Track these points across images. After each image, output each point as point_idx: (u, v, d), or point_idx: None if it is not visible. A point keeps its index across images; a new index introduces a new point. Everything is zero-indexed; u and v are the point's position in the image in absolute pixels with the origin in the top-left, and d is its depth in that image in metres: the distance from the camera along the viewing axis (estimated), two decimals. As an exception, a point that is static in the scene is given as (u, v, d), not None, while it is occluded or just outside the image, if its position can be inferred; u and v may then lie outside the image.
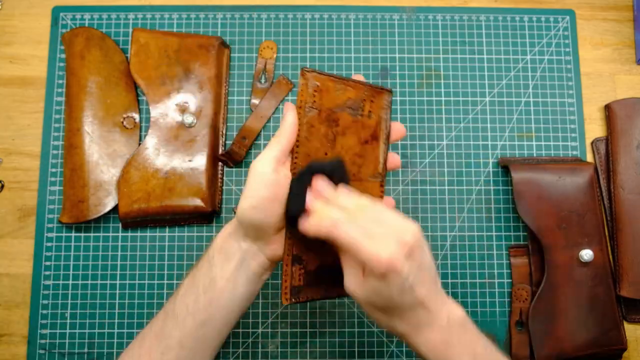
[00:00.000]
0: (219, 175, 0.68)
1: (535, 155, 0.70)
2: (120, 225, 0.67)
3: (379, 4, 0.73)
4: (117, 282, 0.66)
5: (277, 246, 0.49)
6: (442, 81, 0.71)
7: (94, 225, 0.67)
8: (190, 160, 0.66)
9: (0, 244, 0.67)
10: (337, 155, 0.50)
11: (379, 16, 0.72)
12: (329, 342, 0.65)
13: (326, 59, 0.71)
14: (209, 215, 0.67)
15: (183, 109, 0.67)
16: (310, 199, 0.47)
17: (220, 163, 0.68)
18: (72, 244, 0.67)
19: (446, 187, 0.69)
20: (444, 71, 0.71)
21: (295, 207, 0.47)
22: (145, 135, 0.67)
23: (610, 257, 0.67)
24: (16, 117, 0.70)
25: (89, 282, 0.66)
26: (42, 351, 0.65)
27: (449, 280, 0.67)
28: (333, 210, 0.45)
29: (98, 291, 0.66)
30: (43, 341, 0.65)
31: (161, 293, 0.66)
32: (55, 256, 0.67)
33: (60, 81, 0.70)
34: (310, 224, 0.45)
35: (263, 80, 0.71)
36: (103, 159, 0.66)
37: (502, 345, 0.66)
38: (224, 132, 0.69)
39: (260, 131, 0.69)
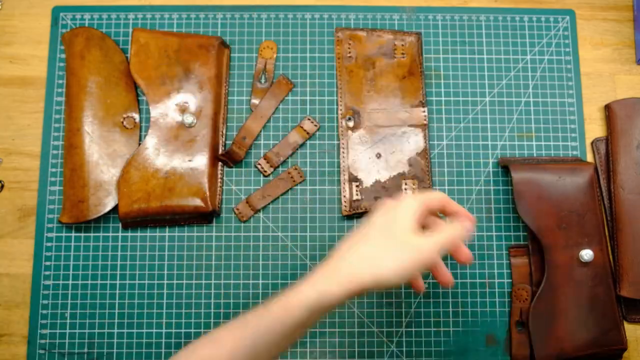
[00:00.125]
0: (219, 175, 0.68)
1: (535, 155, 0.70)
2: (120, 225, 0.67)
3: (379, 4, 0.73)
4: (117, 282, 0.66)
5: None
6: (442, 81, 0.71)
7: (94, 225, 0.67)
8: (190, 160, 0.66)
9: (0, 244, 0.67)
10: None
11: (379, 16, 0.72)
12: (329, 342, 0.66)
13: (326, 59, 0.71)
14: (209, 215, 0.67)
15: (183, 109, 0.67)
16: None
17: (220, 163, 0.68)
18: (72, 244, 0.67)
19: (446, 187, 0.69)
20: (444, 71, 0.71)
21: None
22: (145, 135, 0.67)
23: (611, 257, 0.67)
24: (16, 117, 0.70)
25: (89, 282, 0.66)
26: (42, 351, 0.65)
27: (449, 280, 0.67)
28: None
29: (98, 291, 0.66)
30: (43, 341, 0.65)
31: (161, 293, 0.66)
32: (55, 256, 0.67)
33: (60, 81, 0.70)
34: None
35: (263, 80, 0.71)
36: (103, 159, 0.66)
37: (502, 345, 0.66)
38: (224, 132, 0.69)
39: (260, 131, 0.70)
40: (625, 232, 0.66)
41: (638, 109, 0.69)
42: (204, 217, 0.67)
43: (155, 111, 0.67)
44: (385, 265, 0.46)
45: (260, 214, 0.68)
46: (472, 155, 0.70)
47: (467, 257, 0.51)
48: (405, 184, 0.67)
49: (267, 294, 0.66)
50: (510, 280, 0.67)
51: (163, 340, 0.65)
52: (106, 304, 0.66)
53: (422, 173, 0.68)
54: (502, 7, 0.73)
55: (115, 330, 0.65)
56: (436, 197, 0.51)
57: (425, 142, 0.68)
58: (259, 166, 0.69)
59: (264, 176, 0.69)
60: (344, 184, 0.67)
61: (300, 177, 0.68)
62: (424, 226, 0.52)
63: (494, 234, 0.68)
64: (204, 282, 0.66)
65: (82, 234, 0.67)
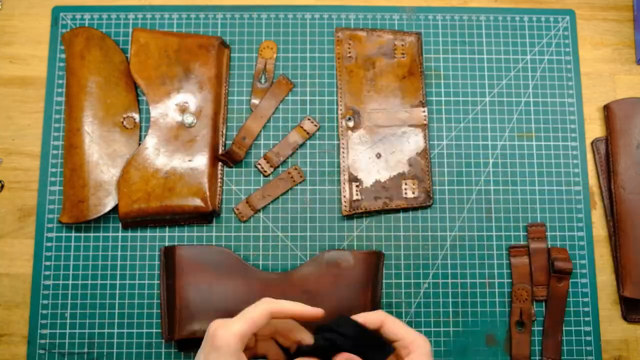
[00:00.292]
0: (219, 175, 0.68)
1: (535, 155, 0.70)
2: (120, 225, 0.67)
3: (379, 4, 0.73)
4: (117, 282, 0.66)
5: None
6: (442, 81, 0.71)
7: (94, 225, 0.67)
8: (190, 160, 0.66)
9: (0, 244, 0.67)
10: (341, 315, 0.51)
11: (379, 16, 0.72)
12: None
13: (326, 59, 0.71)
14: (209, 215, 0.67)
15: (183, 109, 0.67)
16: None
17: (220, 163, 0.68)
18: (72, 244, 0.67)
19: (446, 187, 0.69)
20: (444, 71, 0.71)
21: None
22: (145, 135, 0.67)
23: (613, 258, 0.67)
24: (16, 117, 0.70)
25: (89, 282, 0.66)
26: (42, 351, 0.65)
27: (449, 280, 0.67)
28: None
29: (98, 291, 0.66)
30: (43, 341, 0.65)
31: (161, 294, 0.66)
32: (55, 256, 0.66)
33: (60, 81, 0.70)
34: None
35: (263, 80, 0.71)
36: (103, 159, 0.66)
37: (502, 345, 0.66)
38: (224, 132, 0.69)
39: (260, 131, 0.70)
40: (626, 232, 0.66)
41: (637, 109, 0.69)
42: (204, 217, 0.67)
43: (155, 111, 0.67)
44: None
45: (260, 214, 0.68)
46: (472, 155, 0.70)
47: None
48: (405, 184, 0.67)
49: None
50: (510, 280, 0.67)
51: (163, 340, 0.65)
52: (106, 304, 0.66)
53: (422, 173, 0.68)
54: (502, 7, 0.73)
55: (115, 330, 0.65)
56: (261, 313, 0.46)
57: (425, 142, 0.68)
58: (259, 166, 0.69)
59: (264, 176, 0.69)
60: (344, 184, 0.67)
61: (300, 177, 0.68)
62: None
63: (494, 234, 0.68)
64: (204, 282, 0.66)
65: (82, 234, 0.67)
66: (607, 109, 0.70)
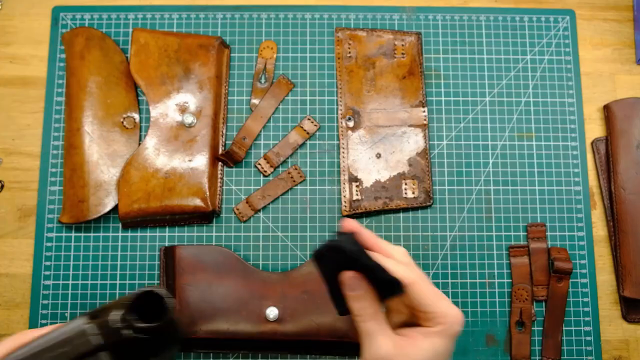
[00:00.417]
0: (219, 175, 0.68)
1: (535, 155, 0.70)
2: (120, 225, 0.67)
3: (379, 4, 0.73)
4: (117, 282, 0.66)
5: None
6: (442, 81, 0.71)
7: (94, 225, 0.67)
8: (190, 160, 0.66)
9: (0, 244, 0.67)
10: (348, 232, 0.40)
11: (379, 16, 0.72)
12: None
13: (326, 59, 0.71)
14: (209, 215, 0.67)
15: (183, 109, 0.67)
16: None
17: (220, 163, 0.68)
18: (72, 244, 0.67)
19: (446, 187, 0.69)
20: (444, 71, 0.71)
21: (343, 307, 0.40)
22: (145, 135, 0.67)
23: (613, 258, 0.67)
24: (16, 117, 0.70)
25: (89, 282, 0.66)
26: (42, 351, 0.65)
27: (449, 280, 0.67)
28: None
29: (98, 291, 0.66)
30: (43, 341, 0.65)
31: (161, 293, 0.66)
32: (55, 256, 0.66)
33: (60, 81, 0.70)
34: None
35: (263, 80, 0.71)
36: (103, 159, 0.66)
37: (502, 345, 0.65)
38: (224, 132, 0.69)
39: (260, 131, 0.70)
40: (627, 232, 0.66)
41: (637, 109, 0.69)
42: (204, 217, 0.67)
43: (155, 111, 0.67)
44: None
45: (260, 214, 0.68)
46: (472, 155, 0.70)
47: None
48: (405, 183, 0.67)
49: (267, 294, 0.66)
50: (510, 280, 0.67)
51: (163, 340, 0.65)
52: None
53: (422, 173, 0.68)
54: (502, 7, 0.73)
55: (115, 330, 0.65)
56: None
57: (425, 142, 0.68)
58: (259, 166, 0.69)
59: (264, 176, 0.69)
60: (344, 184, 0.67)
61: (300, 177, 0.68)
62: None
63: (494, 234, 0.68)
64: (204, 282, 0.66)
65: (82, 234, 0.67)
66: (607, 109, 0.70)
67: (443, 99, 0.71)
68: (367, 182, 0.67)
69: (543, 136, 0.70)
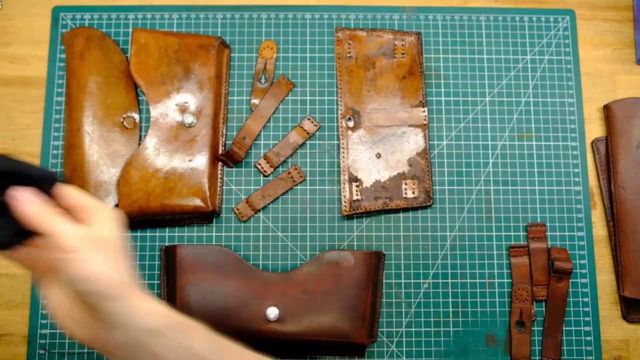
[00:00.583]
0: (219, 175, 0.68)
1: (535, 155, 0.70)
2: (120, 225, 0.67)
3: (379, 4, 0.73)
4: (117, 282, 0.66)
5: None
6: (442, 81, 0.71)
7: (94, 225, 0.67)
8: (190, 160, 0.66)
9: (0, 244, 0.67)
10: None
11: (379, 16, 0.72)
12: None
13: (326, 59, 0.71)
14: (209, 215, 0.67)
15: (183, 109, 0.67)
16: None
17: (220, 163, 0.68)
18: (72, 244, 0.67)
19: (446, 187, 0.69)
20: (444, 71, 0.71)
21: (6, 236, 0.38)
22: (145, 135, 0.67)
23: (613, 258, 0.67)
24: (16, 117, 0.70)
25: (89, 282, 0.66)
26: (42, 351, 0.65)
27: (449, 280, 0.67)
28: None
29: (98, 291, 0.66)
30: (43, 341, 0.65)
31: (161, 293, 0.66)
32: (55, 256, 0.66)
33: (60, 81, 0.70)
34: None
35: (263, 80, 0.71)
36: (103, 159, 0.66)
37: (502, 345, 0.65)
38: (224, 132, 0.69)
39: (260, 131, 0.70)
40: (627, 232, 0.66)
41: (637, 109, 0.69)
42: (204, 217, 0.67)
43: (155, 111, 0.67)
44: None
45: (260, 214, 0.68)
46: (472, 155, 0.70)
47: None
48: (405, 183, 0.67)
49: (267, 294, 0.66)
50: (510, 280, 0.67)
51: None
52: (106, 304, 0.66)
53: (422, 173, 0.68)
54: (502, 7, 0.73)
55: (115, 330, 0.65)
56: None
57: (425, 142, 0.68)
58: (259, 166, 0.69)
59: (264, 176, 0.69)
60: (344, 184, 0.67)
61: (300, 177, 0.68)
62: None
63: (494, 234, 0.68)
64: (204, 282, 0.66)
65: (82, 234, 0.67)
66: (607, 109, 0.70)
67: (443, 99, 0.71)
68: (367, 182, 0.67)
69: (543, 136, 0.70)
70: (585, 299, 0.67)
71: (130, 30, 0.71)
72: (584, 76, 0.72)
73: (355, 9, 0.73)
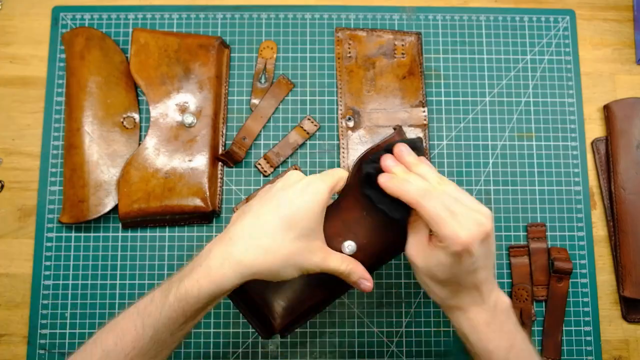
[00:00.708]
0: (219, 175, 0.68)
1: (535, 155, 0.70)
2: (120, 225, 0.67)
3: (379, 4, 0.73)
4: (117, 282, 0.66)
5: None
6: (442, 81, 0.71)
7: (94, 225, 0.67)
8: (190, 160, 0.66)
9: (0, 244, 0.67)
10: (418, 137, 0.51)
11: (379, 16, 0.72)
12: (329, 342, 0.65)
13: (326, 59, 0.71)
14: (209, 215, 0.67)
15: (183, 109, 0.67)
16: (392, 163, 0.48)
17: (220, 163, 0.68)
18: (72, 244, 0.67)
19: (446, 187, 0.69)
20: (444, 71, 0.71)
21: (371, 167, 0.48)
22: (145, 135, 0.67)
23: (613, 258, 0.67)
24: (16, 117, 0.70)
25: (89, 282, 0.66)
26: (42, 351, 0.65)
27: (449, 280, 0.67)
28: (418, 179, 0.46)
29: (98, 291, 0.66)
30: (43, 341, 0.65)
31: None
32: (55, 256, 0.66)
33: (60, 81, 0.70)
34: (393, 185, 0.46)
35: (263, 80, 0.71)
36: (103, 159, 0.66)
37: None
38: (224, 132, 0.69)
39: (260, 131, 0.70)
40: (627, 232, 0.66)
41: (637, 109, 0.69)
42: (204, 217, 0.67)
43: (155, 111, 0.67)
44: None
45: (260, 214, 0.68)
46: (472, 155, 0.70)
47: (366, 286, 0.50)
48: (405, 184, 0.67)
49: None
50: (510, 280, 0.67)
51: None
52: (106, 304, 0.66)
53: (422, 173, 0.68)
54: (502, 7, 0.73)
55: (115, 330, 0.65)
56: (341, 176, 0.50)
57: (426, 142, 0.68)
58: (259, 166, 0.69)
59: (264, 176, 0.69)
60: (344, 184, 0.67)
61: (300, 177, 0.68)
62: None
63: (494, 233, 0.68)
64: (204, 282, 0.66)
65: (82, 234, 0.67)
66: (607, 109, 0.70)
67: (443, 99, 0.71)
68: (367, 182, 0.67)
69: (543, 136, 0.70)
70: (585, 299, 0.67)
71: (130, 30, 0.71)
72: (584, 76, 0.72)
73: (355, 9, 0.73)
